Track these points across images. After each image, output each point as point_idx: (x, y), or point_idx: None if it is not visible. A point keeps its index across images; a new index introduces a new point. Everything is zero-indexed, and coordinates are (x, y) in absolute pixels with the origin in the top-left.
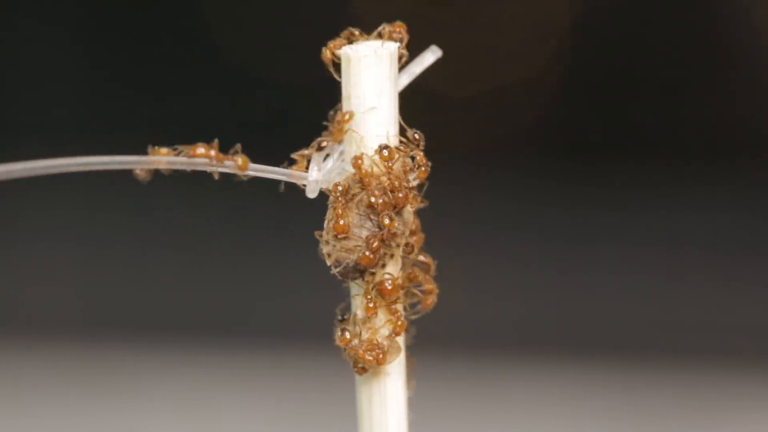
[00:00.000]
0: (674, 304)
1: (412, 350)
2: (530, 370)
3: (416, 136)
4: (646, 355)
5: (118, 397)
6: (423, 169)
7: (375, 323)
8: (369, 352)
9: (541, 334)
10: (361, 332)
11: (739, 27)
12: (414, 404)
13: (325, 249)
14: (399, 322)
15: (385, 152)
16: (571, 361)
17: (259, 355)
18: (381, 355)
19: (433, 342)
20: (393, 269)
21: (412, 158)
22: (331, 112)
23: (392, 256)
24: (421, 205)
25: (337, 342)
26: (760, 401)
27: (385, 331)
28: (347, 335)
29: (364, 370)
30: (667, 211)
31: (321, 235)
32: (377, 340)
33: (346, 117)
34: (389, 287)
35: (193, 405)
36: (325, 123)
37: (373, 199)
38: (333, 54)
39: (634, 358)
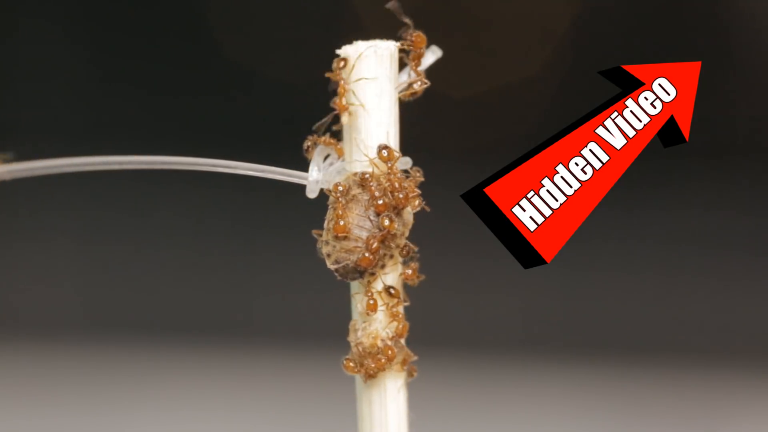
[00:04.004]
0: (674, 304)
1: (412, 350)
2: (530, 370)
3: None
4: (647, 355)
5: (118, 397)
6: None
7: (375, 323)
8: (379, 352)
9: (541, 334)
10: (363, 336)
11: (740, 26)
12: (414, 404)
13: (324, 249)
14: (401, 325)
15: (385, 152)
16: (572, 361)
17: (259, 355)
18: (390, 351)
19: (434, 342)
20: (392, 270)
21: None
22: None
23: (392, 256)
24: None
25: (346, 368)
26: (760, 401)
27: (388, 333)
28: (352, 338)
29: (371, 376)
30: (667, 211)
31: (319, 234)
32: (382, 341)
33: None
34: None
35: (193, 405)
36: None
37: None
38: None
39: (635, 358)
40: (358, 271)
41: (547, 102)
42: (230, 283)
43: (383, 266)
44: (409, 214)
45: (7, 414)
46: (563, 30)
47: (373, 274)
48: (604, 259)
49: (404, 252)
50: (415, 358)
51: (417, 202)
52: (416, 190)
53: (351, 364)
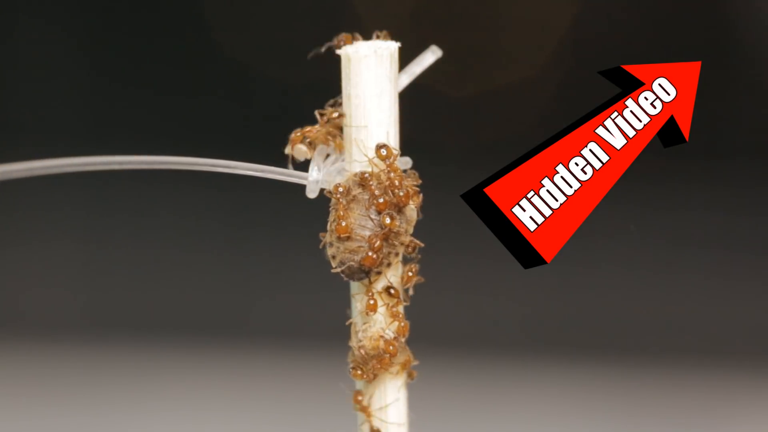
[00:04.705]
0: (674, 304)
1: (412, 350)
2: (530, 370)
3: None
4: (646, 355)
5: (118, 397)
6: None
7: (375, 324)
8: (381, 353)
9: (541, 334)
10: (365, 339)
11: (740, 26)
12: (414, 404)
13: (329, 251)
14: (402, 324)
15: (383, 151)
16: (572, 361)
17: (259, 355)
18: (392, 347)
19: (434, 342)
20: (395, 270)
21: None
22: (330, 105)
23: (397, 254)
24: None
25: (354, 376)
26: (760, 401)
27: (389, 333)
28: (353, 341)
29: (374, 375)
30: (667, 211)
31: (324, 237)
32: (384, 340)
33: (335, 114)
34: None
35: (193, 405)
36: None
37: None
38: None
39: (635, 358)
40: (363, 271)
41: (547, 102)
42: (230, 283)
43: (389, 264)
44: (412, 211)
45: (8, 414)
46: (563, 30)
47: (379, 273)
48: (604, 259)
49: (410, 249)
50: (416, 362)
51: (417, 199)
52: (416, 187)
53: (359, 372)
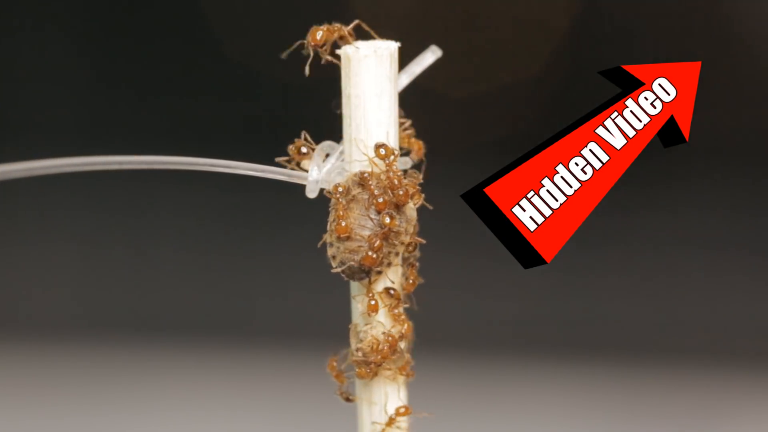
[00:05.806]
0: (674, 304)
1: (412, 351)
2: (530, 371)
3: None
4: (646, 355)
5: (118, 397)
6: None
7: (376, 327)
8: (378, 348)
9: (541, 335)
10: (365, 342)
11: (740, 27)
12: (414, 404)
13: (329, 251)
14: (405, 326)
15: (382, 150)
16: (571, 361)
17: (259, 355)
18: (391, 338)
19: (433, 342)
20: (395, 272)
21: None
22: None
23: (398, 254)
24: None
25: (359, 375)
26: (760, 401)
27: (391, 333)
28: (353, 343)
29: (373, 373)
30: (667, 212)
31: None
32: (383, 334)
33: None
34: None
35: (193, 405)
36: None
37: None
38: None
39: (634, 358)
40: (364, 270)
41: (547, 102)
42: (230, 283)
43: (389, 264)
44: (411, 210)
45: (8, 414)
46: (563, 30)
47: (379, 272)
48: (604, 259)
49: (411, 249)
50: (412, 363)
51: (418, 198)
52: (416, 186)
53: (364, 370)
